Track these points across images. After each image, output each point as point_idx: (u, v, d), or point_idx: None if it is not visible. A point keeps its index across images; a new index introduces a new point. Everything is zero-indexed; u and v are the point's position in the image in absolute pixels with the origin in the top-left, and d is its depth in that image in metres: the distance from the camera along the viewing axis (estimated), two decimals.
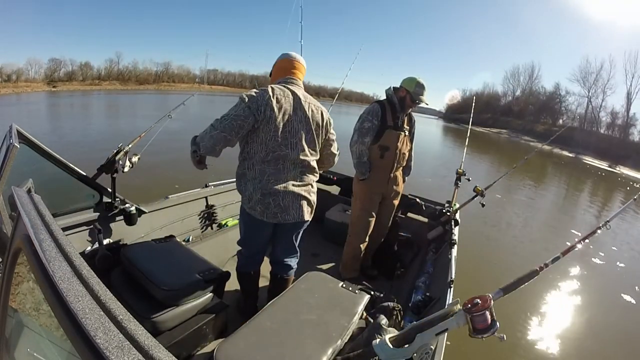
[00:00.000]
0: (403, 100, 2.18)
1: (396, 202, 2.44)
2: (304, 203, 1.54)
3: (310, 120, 1.53)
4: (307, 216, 1.58)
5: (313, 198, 1.59)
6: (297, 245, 1.71)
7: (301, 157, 1.50)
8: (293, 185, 1.50)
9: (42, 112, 15.88)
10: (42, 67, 36.32)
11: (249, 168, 1.49)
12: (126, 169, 1.87)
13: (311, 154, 1.55)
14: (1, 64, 30.98)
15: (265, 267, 1.79)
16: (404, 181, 2.43)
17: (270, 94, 1.44)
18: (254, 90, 1.47)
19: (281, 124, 1.44)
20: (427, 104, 2.18)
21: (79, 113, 17.49)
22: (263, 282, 1.84)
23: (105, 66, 43.55)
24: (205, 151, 1.44)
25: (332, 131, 1.66)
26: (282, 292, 1.66)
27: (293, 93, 1.51)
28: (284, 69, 1.59)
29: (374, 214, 2.34)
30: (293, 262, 1.74)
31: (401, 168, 2.36)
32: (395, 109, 2.20)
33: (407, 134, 2.28)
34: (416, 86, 2.14)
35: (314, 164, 1.57)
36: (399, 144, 2.22)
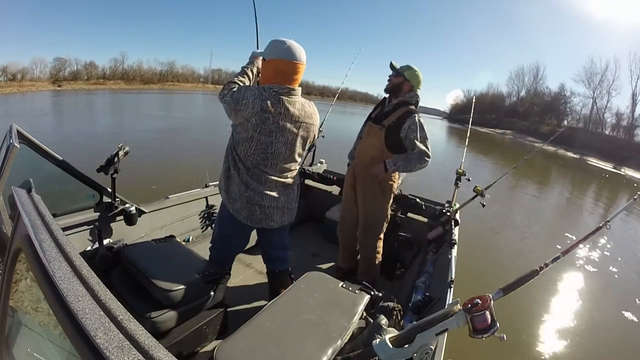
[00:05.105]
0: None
1: (364, 204, 2.19)
2: (286, 211, 1.59)
3: (298, 139, 1.48)
4: (289, 220, 1.63)
5: (295, 206, 1.64)
6: (286, 241, 1.76)
7: (282, 175, 1.52)
8: (276, 200, 1.52)
9: (47, 111, 15.90)
10: (47, 66, 36.21)
11: (238, 171, 1.46)
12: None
13: (292, 169, 1.56)
14: (6, 63, 30.95)
15: (263, 266, 1.80)
16: (369, 182, 2.12)
17: (262, 106, 1.33)
18: (255, 92, 1.36)
19: (263, 144, 1.41)
20: (397, 68, 2.03)
21: (84, 112, 17.54)
22: (262, 280, 1.84)
23: (110, 66, 43.41)
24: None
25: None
26: (281, 285, 1.68)
27: (286, 111, 1.38)
28: (283, 74, 1.38)
29: (350, 209, 2.27)
30: (286, 254, 1.78)
31: (364, 164, 2.11)
32: (384, 104, 2.15)
33: (381, 127, 2.05)
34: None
35: (294, 175, 1.60)
36: (363, 135, 2.19)
